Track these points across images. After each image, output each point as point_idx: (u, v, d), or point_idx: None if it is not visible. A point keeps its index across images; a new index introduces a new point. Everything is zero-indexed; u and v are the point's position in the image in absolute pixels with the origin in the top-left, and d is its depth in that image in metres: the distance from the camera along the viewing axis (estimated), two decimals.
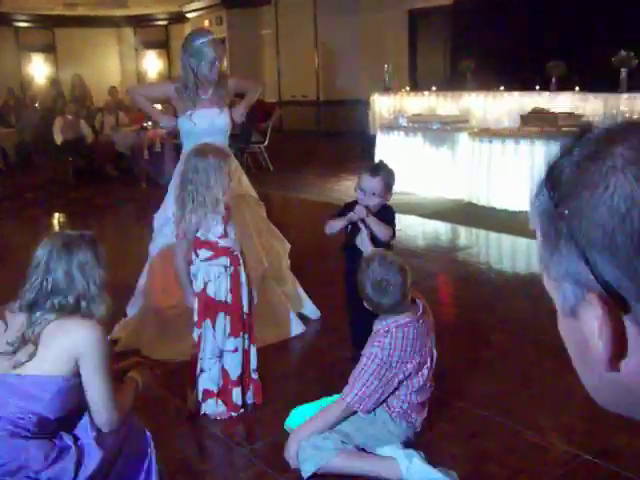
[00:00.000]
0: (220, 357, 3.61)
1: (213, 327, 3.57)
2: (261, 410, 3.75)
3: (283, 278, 4.94)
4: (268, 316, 4.55)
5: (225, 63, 19.97)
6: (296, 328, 4.73)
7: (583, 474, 3.12)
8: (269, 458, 3.27)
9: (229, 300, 3.60)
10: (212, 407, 3.62)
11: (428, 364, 3.22)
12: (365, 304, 3.18)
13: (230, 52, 19.83)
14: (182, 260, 3.61)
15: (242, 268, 3.69)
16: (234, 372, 3.64)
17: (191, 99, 4.48)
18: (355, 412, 3.17)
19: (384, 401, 3.19)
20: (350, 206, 3.94)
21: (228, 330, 3.60)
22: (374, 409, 3.19)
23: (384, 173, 3.89)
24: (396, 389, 3.17)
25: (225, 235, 3.58)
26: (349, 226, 3.92)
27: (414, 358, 3.13)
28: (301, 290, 5.04)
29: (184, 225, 3.51)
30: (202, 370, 3.62)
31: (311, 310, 5.03)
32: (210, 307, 3.58)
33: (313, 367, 4.18)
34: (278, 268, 4.90)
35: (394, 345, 3.08)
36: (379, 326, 3.17)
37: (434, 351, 3.29)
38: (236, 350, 3.63)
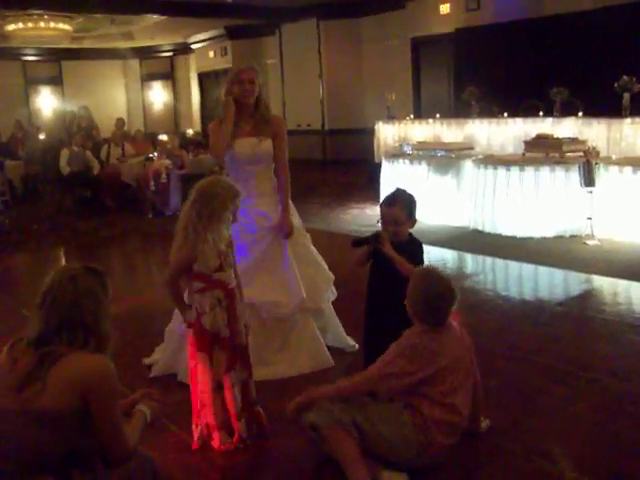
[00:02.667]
0: (219, 390, 3.59)
1: (210, 360, 3.55)
2: (267, 442, 3.71)
3: (322, 312, 4.83)
4: (301, 349, 4.55)
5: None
6: (327, 362, 4.66)
7: None
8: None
9: (226, 334, 3.56)
10: (218, 439, 3.59)
11: (457, 381, 3.27)
12: (410, 312, 3.31)
13: None
14: (171, 284, 3.61)
15: (238, 302, 3.66)
16: (235, 406, 3.60)
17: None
18: (372, 396, 3.32)
19: (408, 403, 3.24)
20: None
21: (224, 364, 3.57)
22: (390, 398, 3.30)
23: (400, 200, 3.91)
24: (418, 391, 3.22)
25: (221, 268, 3.56)
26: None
27: (438, 361, 3.21)
28: (337, 321, 4.99)
29: (181, 255, 3.53)
30: (203, 405, 3.60)
31: (344, 341, 4.98)
32: (205, 340, 3.55)
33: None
34: (316, 300, 4.76)
35: (420, 342, 3.22)
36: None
37: (476, 375, 3.48)
38: (234, 384, 3.60)
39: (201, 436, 3.62)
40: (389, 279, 3.75)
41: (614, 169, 8.06)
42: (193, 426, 3.64)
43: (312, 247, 4.91)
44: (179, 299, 3.64)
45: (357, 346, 4.84)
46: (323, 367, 4.62)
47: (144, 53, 22.33)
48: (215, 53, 20.51)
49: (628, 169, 7.89)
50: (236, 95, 4.51)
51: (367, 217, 10.41)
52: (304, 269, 4.69)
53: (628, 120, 8.93)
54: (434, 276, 3.33)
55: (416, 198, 3.98)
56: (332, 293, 4.95)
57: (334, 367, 4.64)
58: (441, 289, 3.25)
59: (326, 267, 4.94)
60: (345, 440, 3.17)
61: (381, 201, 3.97)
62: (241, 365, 3.64)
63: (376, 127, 13.09)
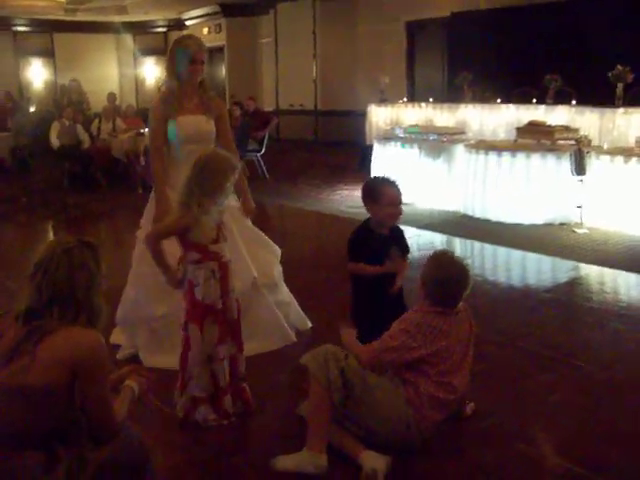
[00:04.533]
0: (209, 363, 3.60)
1: (201, 332, 3.55)
2: (252, 419, 3.73)
3: (276, 286, 4.90)
4: (258, 326, 4.52)
5: (224, 71, 20.04)
6: (287, 338, 4.72)
7: None
8: (260, 468, 3.26)
9: (219, 306, 3.58)
10: (203, 414, 3.61)
11: (457, 363, 3.33)
12: (423, 292, 3.34)
13: (228, 60, 19.89)
14: (155, 242, 3.60)
15: (231, 275, 3.67)
16: (223, 379, 3.62)
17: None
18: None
19: (407, 379, 3.29)
20: (367, 242, 3.87)
21: (216, 336, 3.58)
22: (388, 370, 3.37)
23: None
24: (418, 367, 3.26)
25: (217, 241, 3.58)
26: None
27: (440, 340, 3.25)
28: (293, 299, 5.02)
29: (179, 221, 3.52)
30: (191, 377, 3.61)
31: (301, 320, 5.01)
32: (198, 311, 3.55)
33: (304, 378, 4.14)
34: (270, 275, 4.84)
35: (425, 321, 3.26)
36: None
37: (470, 353, 3.45)
38: (224, 358, 3.62)
39: (184, 408, 3.62)
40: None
41: (605, 158, 8.07)
42: (176, 399, 3.64)
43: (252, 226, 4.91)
44: (162, 257, 3.61)
45: (310, 324, 4.97)
46: (284, 343, 4.67)
47: (138, 28, 22.17)
48: (209, 30, 20.38)
49: (619, 159, 7.90)
50: (186, 75, 4.45)
51: (357, 199, 10.27)
52: (252, 245, 4.70)
53: (621, 110, 8.93)
54: (452, 261, 3.36)
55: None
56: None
57: (296, 343, 4.67)
58: (458, 274, 3.29)
59: (271, 242, 4.99)
60: (321, 400, 3.19)
61: (386, 186, 3.86)
62: (232, 339, 3.66)
63: (368, 109, 13.06)
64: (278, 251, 5.01)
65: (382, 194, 3.81)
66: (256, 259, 4.67)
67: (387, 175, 3.97)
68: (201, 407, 3.60)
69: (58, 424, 2.38)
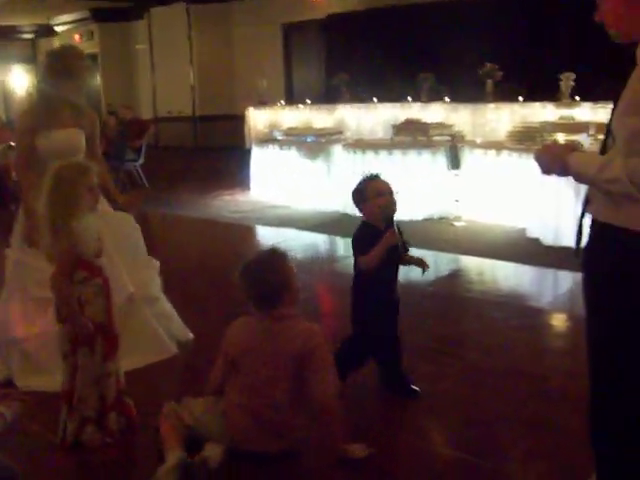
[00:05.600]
0: (97, 383, 3.41)
1: (92, 354, 3.36)
2: (137, 435, 3.55)
3: (156, 299, 4.71)
4: (138, 340, 4.32)
5: (98, 79, 19.50)
6: (168, 350, 4.54)
7: (456, 471, 3.12)
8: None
9: (106, 322, 3.41)
10: (89, 434, 3.40)
11: (259, 379, 3.13)
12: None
13: (102, 68, 19.37)
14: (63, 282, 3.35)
15: (111, 289, 3.51)
16: (111, 396, 3.44)
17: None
18: None
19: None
20: (370, 236, 3.70)
21: (104, 354, 3.41)
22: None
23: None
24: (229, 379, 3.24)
25: (99, 254, 3.41)
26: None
27: (237, 348, 3.20)
28: (172, 310, 4.84)
29: (63, 249, 3.29)
30: (80, 399, 3.39)
31: (182, 331, 4.84)
32: (88, 332, 3.34)
33: (189, 387, 3.98)
34: (148, 289, 4.65)
35: (235, 324, 3.29)
36: None
37: (319, 391, 3.06)
38: (111, 374, 3.44)
39: (74, 432, 3.40)
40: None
41: (479, 152, 8.26)
42: (63, 423, 3.41)
43: (133, 233, 4.71)
44: (71, 304, 3.35)
45: (191, 334, 4.79)
46: (165, 356, 4.48)
47: (3, 34, 21.24)
48: (81, 36, 19.78)
49: (492, 152, 8.10)
50: (59, 85, 4.27)
51: (238, 203, 10.31)
52: (129, 257, 4.50)
53: (492, 105, 9.20)
54: (260, 257, 3.22)
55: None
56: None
57: (177, 356, 4.51)
58: (252, 270, 3.13)
59: (147, 256, 4.82)
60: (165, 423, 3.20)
61: (368, 181, 3.82)
62: (115, 355, 3.48)
63: (247, 113, 12.96)
64: (156, 263, 4.84)
65: (366, 188, 3.77)
66: (134, 271, 4.47)
67: (368, 173, 3.93)
68: (88, 427, 3.39)
69: None
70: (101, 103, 18.61)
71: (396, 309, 3.85)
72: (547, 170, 2.35)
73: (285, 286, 3.10)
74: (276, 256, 3.18)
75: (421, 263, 3.84)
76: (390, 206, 3.72)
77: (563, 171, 2.27)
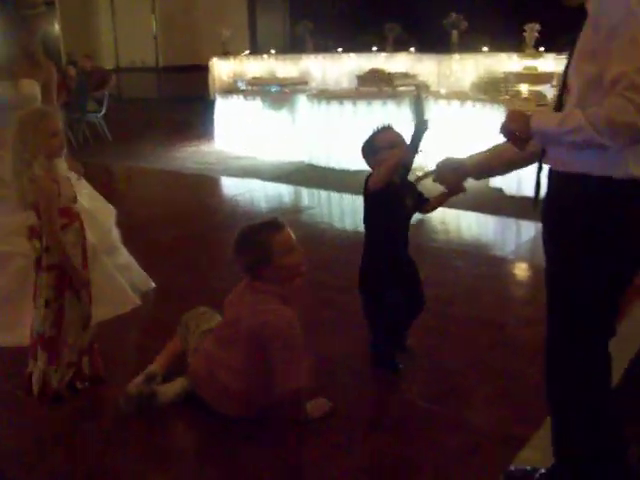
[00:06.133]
0: (84, 328, 3.43)
1: (79, 298, 3.37)
2: (105, 384, 3.54)
3: (114, 249, 4.67)
4: (101, 293, 4.26)
5: (57, 27, 19.02)
6: (131, 301, 4.51)
7: (425, 421, 3.16)
8: (113, 432, 3.12)
9: (84, 267, 3.41)
10: (65, 380, 3.39)
11: (223, 335, 3.20)
12: None
13: (61, 16, 18.86)
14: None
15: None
16: (86, 341, 3.46)
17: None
18: None
19: None
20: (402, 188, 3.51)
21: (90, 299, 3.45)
22: None
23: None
24: None
25: (75, 200, 3.39)
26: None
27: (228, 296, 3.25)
28: (131, 259, 4.81)
29: (50, 188, 3.22)
30: (69, 345, 3.39)
31: (144, 281, 4.82)
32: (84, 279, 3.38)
33: (154, 338, 3.97)
34: (108, 240, 4.60)
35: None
36: None
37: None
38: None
39: (59, 379, 3.38)
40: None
41: (443, 102, 8.24)
42: (40, 373, 3.38)
43: (87, 183, 4.64)
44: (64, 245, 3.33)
45: (152, 283, 4.79)
46: (129, 307, 4.45)
47: None
48: None
49: (456, 103, 8.09)
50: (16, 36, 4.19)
51: (202, 154, 10.21)
52: (86, 209, 4.37)
53: (457, 56, 9.18)
54: (248, 231, 3.11)
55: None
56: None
57: (140, 307, 4.49)
58: (238, 236, 3.09)
59: (105, 202, 4.76)
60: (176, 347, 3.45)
61: (378, 133, 3.50)
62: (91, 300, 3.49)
63: (211, 63, 12.77)
64: (114, 212, 4.78)
65: (376, 140, 3.49)
66: (93, 223, 4.41)
67: (378, 126, 3.58)
68: (70, 371, 3.41)
69: None
70: (61, 52, 18.17)
71: (405, 273, 3.59)
72: (512, 136, 2.34)
73: (265, 261, 2.99)
74: (266, 228, 3.06)
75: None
76: (405, 158, 3.41)
77: (526, 134, 2.27)
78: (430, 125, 3.27)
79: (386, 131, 3.53)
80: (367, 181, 3.45)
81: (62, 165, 3.38)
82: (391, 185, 3.39)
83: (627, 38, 1.97)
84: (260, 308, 2.99)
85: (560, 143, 2.18)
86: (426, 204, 3.66)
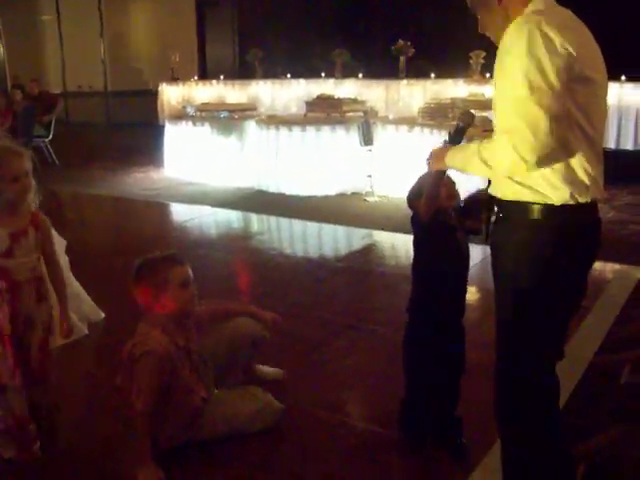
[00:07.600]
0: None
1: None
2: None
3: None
4: None
5: (1, 50, 18.80)
6: (78, 331, 4.44)
7: (371, 444, 3.16)
8: (63, 466, 3.05)
9: (7, 330, 3.02)
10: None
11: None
12: None
13: (6, 40, 18.66)
14: None
15: (27, 298, 3.08)
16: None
17: None
18: None
19: None
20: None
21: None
22: None
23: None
24: None
25: (9, 254, 3.02)
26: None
27: None
28: (81, 289, 4.74)
29: None
30: None
31: (94, 312, 4.75)
32: None
33: (104, 366, 3.92)
34: None
35: None
36: None
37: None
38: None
39: None
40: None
41: (391, 128, 8.34)
42: None
43: None
44: None
45: (102, 314, 4.73)
46: (76, 336, 4.36)
47: None
48: None
49: (404, 128, 8.19)
50: None
51: (152, 181, 10.13)
52: None
53: (404, 82, 9.33)
54: (139, 265, 3.20)
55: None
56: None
57: (88, 336, 4.45)
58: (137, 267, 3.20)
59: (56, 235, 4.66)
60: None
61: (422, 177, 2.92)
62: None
63: (160, 88, 12.74)
64: (63, 242, 4.71)
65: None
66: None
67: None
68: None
69: None
70: (6, 76, 17.95)
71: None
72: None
73: (161, 290, 3.06)
74: (168, 260, 3.15)
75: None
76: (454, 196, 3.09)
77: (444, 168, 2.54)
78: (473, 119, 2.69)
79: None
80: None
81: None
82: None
83: None
84: (135, 334, 3.07)
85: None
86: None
